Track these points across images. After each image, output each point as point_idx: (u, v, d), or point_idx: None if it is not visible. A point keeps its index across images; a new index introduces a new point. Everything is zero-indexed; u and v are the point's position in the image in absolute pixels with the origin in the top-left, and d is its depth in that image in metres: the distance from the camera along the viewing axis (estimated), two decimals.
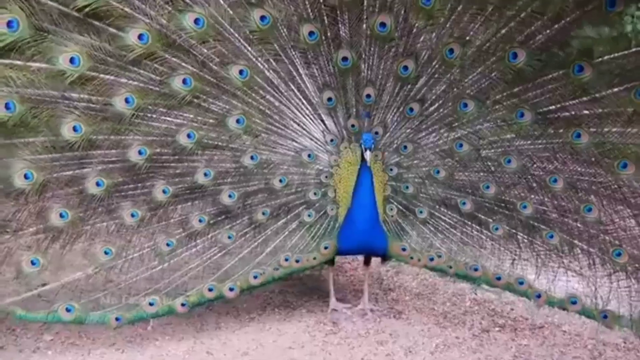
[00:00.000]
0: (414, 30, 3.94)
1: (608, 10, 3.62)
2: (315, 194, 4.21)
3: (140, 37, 3.70)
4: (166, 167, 4.00)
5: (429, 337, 4.06)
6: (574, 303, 3.99)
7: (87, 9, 3.60)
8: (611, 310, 3.89)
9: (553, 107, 3.85)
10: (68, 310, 3.76)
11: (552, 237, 3.99)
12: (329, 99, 4.11)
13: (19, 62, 3.56)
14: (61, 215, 3.82)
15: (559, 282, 4.06)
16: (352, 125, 4.18)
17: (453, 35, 3.88)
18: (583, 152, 3.83)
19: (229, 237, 4.11)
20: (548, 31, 3.73)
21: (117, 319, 3.82)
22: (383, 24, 3.90)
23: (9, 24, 3.46)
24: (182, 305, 3.94)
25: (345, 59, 4.01)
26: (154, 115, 3.90)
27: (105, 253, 3.92)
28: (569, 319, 4.27)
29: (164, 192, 3.98)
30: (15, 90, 3.53)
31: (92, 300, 3.84)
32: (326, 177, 4.23)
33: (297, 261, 4.14)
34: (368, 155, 3.89)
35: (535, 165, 3.97)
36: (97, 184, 3.85)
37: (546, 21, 3.71)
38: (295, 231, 4.20)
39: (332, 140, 4.21)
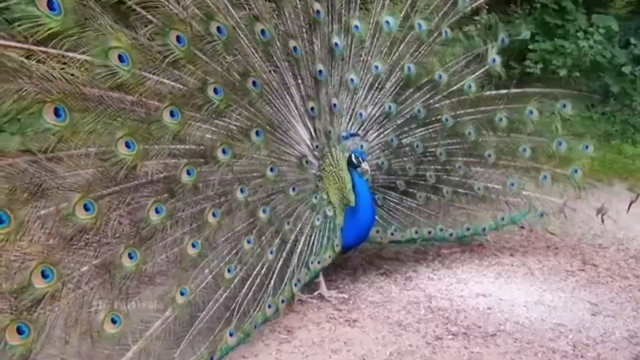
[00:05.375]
0: (353, 49, 4.80)
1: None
2: (316, 197, 4.58)
3: (178, 39, 3.58)
4: (206, 187, 3.82)
5: (383, 345, 4.06)
6: (468, 229, 5.39)
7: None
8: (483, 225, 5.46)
9: (431, 101, 5.09)
10: None
11: (447, 192, 5.25)
12: (312, 109, 4.54)
13: (58, 52, 2.99)
14: (130, 256, 3.35)
15: (456, 220, 5.42)
16: (329, 132, 4.65)
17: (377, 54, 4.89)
18: (449, 129, 5.14)
19: (271, 253, 4.15)
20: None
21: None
22: (337, 44, 4.66)
23: (50, 5, 2.92)
24: (255, 327, 3.90)
25: (321, 72, 4.56)
26: (194, 127, 3.74)
27: (182, 294, 3.55)
28: (521, 328, 4.33)
29: (213, 215, 3.82)
30: (58, 87, 2.99)
31: (183, 350, 3.50)
32: (319, 180, 4.62)
33: (319, 262, 4.53)
34: (366, 165, 4.50)
35: (430, 144, 5.13)
36: (157, 211, 3.49)
37: None
38: (310, 235, 4.49)
39: (317, 147, 4.62)
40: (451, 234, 5.34)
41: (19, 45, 2.88)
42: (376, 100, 4.92)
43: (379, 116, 4.95)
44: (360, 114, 4.85)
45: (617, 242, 6.03)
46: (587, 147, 5.50)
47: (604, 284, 5.11)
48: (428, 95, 5.09)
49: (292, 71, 4.44)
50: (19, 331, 2.87)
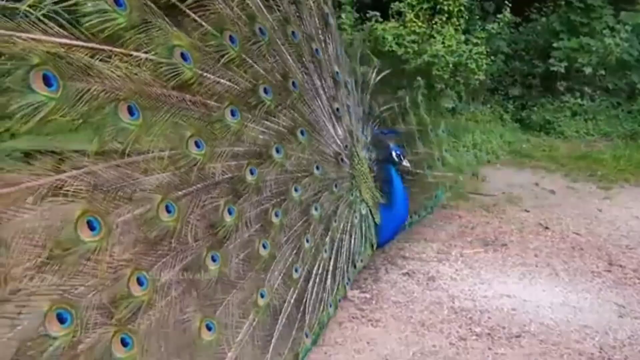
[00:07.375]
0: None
1: None
2: (352, 195, 4.65)
3: (231, 39, 3.57)
4: (265, 187, 3.79)
5: (406, 346, 4.04)
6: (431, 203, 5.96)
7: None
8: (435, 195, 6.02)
9: (388, 96, 5.64)
10: None
11: (415, 175, 5.52)
12: (337, 109, 4.63)
13: (123, 51, 2.91)
14: (213, 259, 3.28)
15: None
16: (351, 131, 4.74)
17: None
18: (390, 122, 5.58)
19: (325, 251, 4.20)
20: None
21: None
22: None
23: (116, 0, 2.86)
24: (321, 328, 3.95)
25: (338, 73, 4.67)
26: (249, 128, 3.72)
27: (261, 296, 3.53)
28: (546, 329, 4.28)
29: (276, 215, 3.80)
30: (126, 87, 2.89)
31: (271, 356, 3.48)
32: (353, 178, 4.69)
33: (361, 260, 4.68)
34: (407, 162, 4.77)
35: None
36: (229, 212, 3.43)
37: None
38: (351, 233, 4.56)
39: (346, 146, 4.68)
40: (426, 208, 5.88)
41: (82, 44, 2.78)
42: (356, 99, 5.09)
43: (370, 113, 5.25)
44: (363, 111, 5.07)
45: None
46: (443, 131, 6.44)
47: (631, 285, 5.02)
48: (365, 92, 5.42)
49: (317, 73, 4.51)
50: (123, 343, 2.79)
